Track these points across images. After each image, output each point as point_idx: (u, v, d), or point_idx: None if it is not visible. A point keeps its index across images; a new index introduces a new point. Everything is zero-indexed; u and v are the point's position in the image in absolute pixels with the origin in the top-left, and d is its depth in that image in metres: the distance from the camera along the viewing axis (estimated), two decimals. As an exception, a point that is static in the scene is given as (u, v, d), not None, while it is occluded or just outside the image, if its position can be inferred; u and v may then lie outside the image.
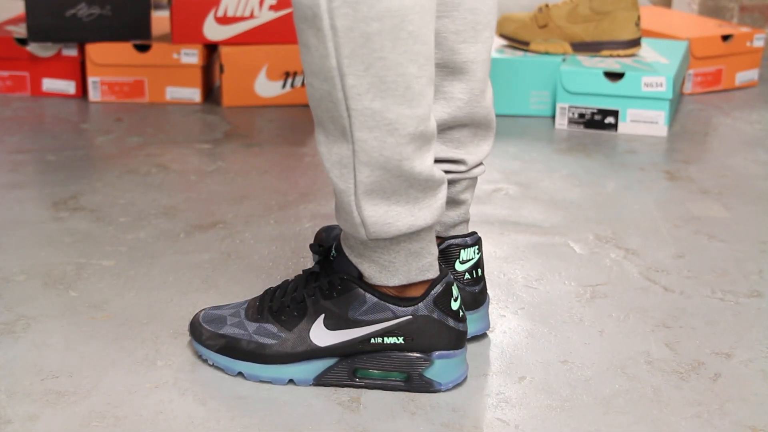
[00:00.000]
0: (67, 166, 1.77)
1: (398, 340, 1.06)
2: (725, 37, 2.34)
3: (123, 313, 1.23)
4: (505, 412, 1.04)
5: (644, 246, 1.46)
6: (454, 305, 1.07)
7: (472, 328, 1.17)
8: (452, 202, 1.16)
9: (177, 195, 1.64)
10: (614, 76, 2.03)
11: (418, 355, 1.07)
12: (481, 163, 1.17)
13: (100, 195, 1.63)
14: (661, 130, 2.02)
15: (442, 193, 1.03)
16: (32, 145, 1.90)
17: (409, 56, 0.93)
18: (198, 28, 2.15)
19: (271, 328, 1.09)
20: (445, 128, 1.13)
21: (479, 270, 1.17)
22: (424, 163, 0.99)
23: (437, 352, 1.07)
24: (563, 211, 1.60)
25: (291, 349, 1.08)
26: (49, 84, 2.24)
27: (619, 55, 2.14)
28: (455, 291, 1.07)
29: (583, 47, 2.15)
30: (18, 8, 2.46)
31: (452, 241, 1.16)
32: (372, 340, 1.06)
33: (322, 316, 1.07)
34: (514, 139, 1.98)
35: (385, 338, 1.06)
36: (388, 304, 1.05)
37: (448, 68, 1.10)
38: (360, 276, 1.06)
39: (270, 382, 1.09)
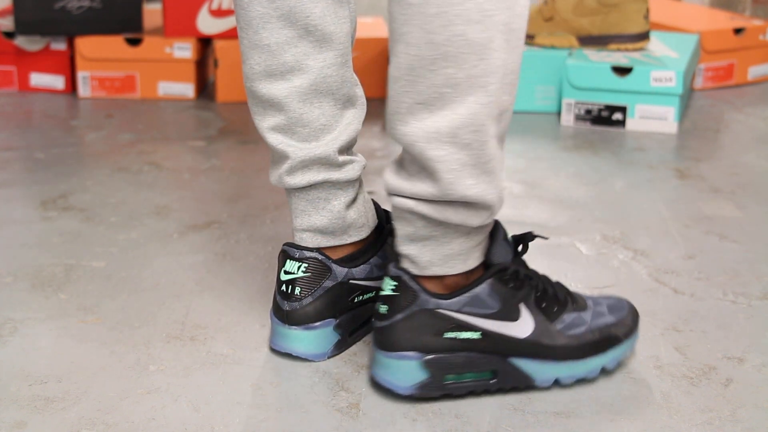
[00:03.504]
0: (56, 164, 1.77)
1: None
2: (737, 30, 2.32)
3: (114, 316, 1.22)
4: (510, 418, 1.03)
5: (653, 247, 1.45)
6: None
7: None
8: None
9: (170, 194, 1.63)
10: (622, 70, 2.02)
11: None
12: None
13: (90, 194, 1.63)
14: (670, 126, 2.01)
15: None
16: (20, 142, 1.89)
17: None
18: (191, 21, 2.14)
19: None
20: None
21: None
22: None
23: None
24: (569, 210, 1.59)
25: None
26: (37, 79, 2.23)
27: (627, 49, 2.12)
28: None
29: (590, 41, 2.14)
30: (5, 0, 2.45)
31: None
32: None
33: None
34: (518, 136, 1.97)
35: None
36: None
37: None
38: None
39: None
